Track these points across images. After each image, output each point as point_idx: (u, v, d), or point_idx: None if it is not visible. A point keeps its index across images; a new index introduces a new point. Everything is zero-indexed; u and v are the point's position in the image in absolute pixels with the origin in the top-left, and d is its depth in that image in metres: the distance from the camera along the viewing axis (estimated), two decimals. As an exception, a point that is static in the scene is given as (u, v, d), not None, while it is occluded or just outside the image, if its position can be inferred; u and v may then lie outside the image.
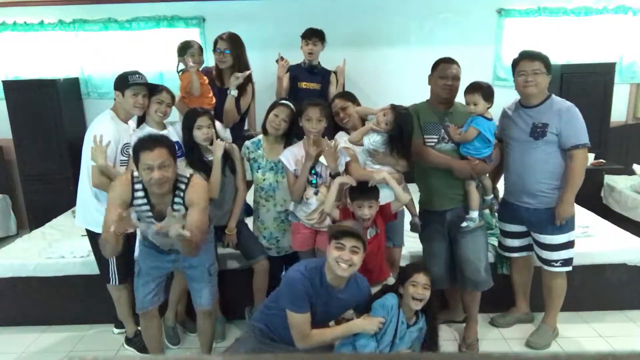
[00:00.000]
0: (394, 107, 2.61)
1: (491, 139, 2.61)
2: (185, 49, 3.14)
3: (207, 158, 2.74)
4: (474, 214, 2.68)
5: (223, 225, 2.83)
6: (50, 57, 4.68)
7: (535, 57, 2.64)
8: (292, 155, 2.68)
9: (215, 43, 3.25)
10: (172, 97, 2.78)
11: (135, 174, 2.27)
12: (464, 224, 2.68)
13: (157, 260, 2.46)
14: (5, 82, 4.43)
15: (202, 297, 2.53)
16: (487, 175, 2.81)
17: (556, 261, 2.75)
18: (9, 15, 4.61)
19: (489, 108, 2.59)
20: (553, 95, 2.68)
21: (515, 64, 2.70)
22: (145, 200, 2.27)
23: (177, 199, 2.29)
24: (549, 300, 2.88)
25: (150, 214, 2.29)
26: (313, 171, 2.66)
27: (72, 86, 4.67)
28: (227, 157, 2.78)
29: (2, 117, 4.46)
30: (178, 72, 3.23)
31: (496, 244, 3.09)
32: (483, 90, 2.55)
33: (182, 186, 2.30)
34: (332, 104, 2.91)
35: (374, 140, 2.62)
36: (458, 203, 2.72)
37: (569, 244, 2.74)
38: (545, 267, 2.80)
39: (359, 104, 2.93)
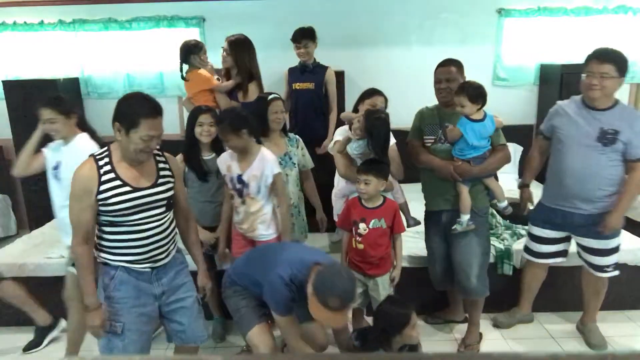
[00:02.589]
0: (366, 114, 2.63)
1: (470, 141, 2.53)
2: (198, 47, 3.21)
3: (204, 157, 2.75)
4: (463, 218, 2.62)
5: (213, 227, 2.79)
6: (50, 57, 4.68)
7: (606, 59, 2.48)
8: (224, 161, 2.66)
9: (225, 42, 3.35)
10: (61, 111, 2.49)
11: (100, 155, 1.95)
12: (453, 227, 2.66)
13: (141, 302, 2.04)
14: (5, 82, 4.43)
15: (197, 330, 2.20)
16: (493, 181, 2.70)
17: (608, 266, 2.70)
18: (9, 15, 4.61)
19: (479, 109, 2.54)
20: (620, 101, 2.55)
21: (586, 61, 2.57)
22: (113, 175, 1.92)
23: (162, 165, 2.07)
24: (595, 301, 2.85)
25: (128, 188, 1.93)
26: (239, 179, 2.58)
27: (72, 86, 4.66)
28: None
29: (2, 117, 4.46)
30: (183, 72, 3.29)
31: (496, 244, 3.09)
32: (469, 92, 2.50)
33: (159, 152, 2.09)
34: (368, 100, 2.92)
35: (354, 147, 2.70)
36: (454, 205, 2.68)
37: (618, 247, 2.70)
38: (598, 274, 2.73)
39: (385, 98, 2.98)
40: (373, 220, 2.53)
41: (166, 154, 2.14)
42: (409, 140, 2.81)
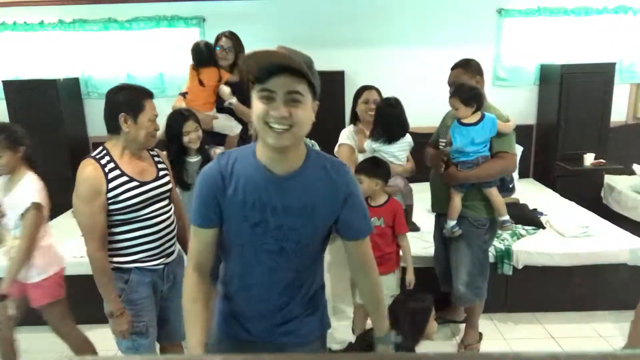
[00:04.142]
0: (377, 104, 2.75)
1: (455, 145, 2.48)
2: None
3: (190, 159, 2.64)
4: (448, 223, 2.61)
5: None
6: (50, 57, 4.68)
7: None
8: None
9: (218, 40, 3.27)
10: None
11: (98, 154, 1.94)
12: (444, 230, 2.68)
13: (156, 298, 2.10)
14: (5, 82, 4.42)
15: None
16: (493, 192, 2.56)
17: None
18: (9, 15, 4.60)
19: (475, 112, 2.47)
20: None
21: None
22: (119, 172, 1.94)
23: (157, 159, 2.12)
24: None
25: (136, 183, 1.95)
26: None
27: (72, 86, 4.67)
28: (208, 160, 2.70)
29: (2, 117, 4.45)
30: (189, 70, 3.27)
31: (497, 244, 3.10)
32: (461, 94, 2.46)
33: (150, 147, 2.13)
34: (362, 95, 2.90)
35: (370, 144, 2.72)
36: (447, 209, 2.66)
37: None
38: None
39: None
40: (372, 219, 2.53)
41: (156, 149, 2.18)
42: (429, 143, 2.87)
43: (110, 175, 1.91)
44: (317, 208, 1.35)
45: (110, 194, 1.90)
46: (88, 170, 1.90)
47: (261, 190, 1.32)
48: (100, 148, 1.98)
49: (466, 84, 2.53)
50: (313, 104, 1.30)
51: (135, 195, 1.94)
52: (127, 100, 1.93)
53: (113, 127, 1.95)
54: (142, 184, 1.97)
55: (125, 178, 1.94)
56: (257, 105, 1.26)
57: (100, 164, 1.92)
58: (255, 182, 1.32)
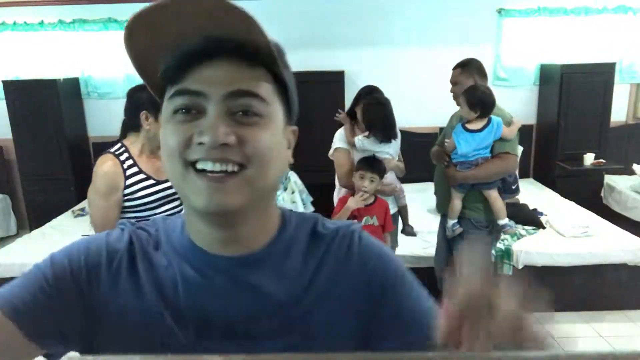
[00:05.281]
0: (363, 105, 2.64)
1: (461, 151, 2.46)
2: None
3: None
4: (449, 222, 2.62)
5: None
6: (50, 57, 4.68)
7: None
8: None
9: None
10: None
11: (117, 150, 1.95)
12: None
13: None
14: (5, 82, 4.42)
15: None
16: (493, 194, 2.53)
17: None
18: (9, 15, 4.60)
19: (479, 117, 2.42)
20: None
21: None
22: (137, 169, 1.96)
23: None
24: None
25: (152, 181, 1.97)
26: None
27: (72, 86, 4.66)
28: None
29: (2, 117, 4.46)
30: None
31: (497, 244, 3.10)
32: (467, 96, 2.43)
33: None
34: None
35: (362, 141, 2.66)
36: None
37: None
38: None
39: None
40: (365, 218, 2.53)
41: None
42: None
43: (128, 172, 1.94)
44: (319, 314, 0.66)
45: (127, 191, 1.92)
46: (107, 165, 1.92)
47: (194, 289, 0.64)
48: (119, 145, 2.01)
49: (480, 87, 2.48)
50: (286, 129, 0.66)
51: (151, 194, 1.96)
52: (150, 98, 1.94)
53: (133, 125, 1.97)
54: (158, 182, 2.00)
55: (142, 175, 1.96)
56: (169, 131, 0.61)
57: (119, 160, 1.95)
58: (183, 273, 0.65)
